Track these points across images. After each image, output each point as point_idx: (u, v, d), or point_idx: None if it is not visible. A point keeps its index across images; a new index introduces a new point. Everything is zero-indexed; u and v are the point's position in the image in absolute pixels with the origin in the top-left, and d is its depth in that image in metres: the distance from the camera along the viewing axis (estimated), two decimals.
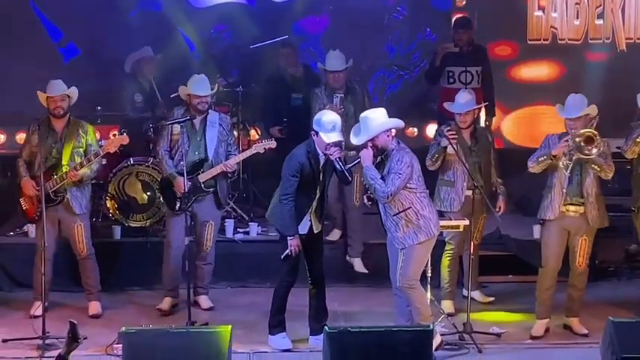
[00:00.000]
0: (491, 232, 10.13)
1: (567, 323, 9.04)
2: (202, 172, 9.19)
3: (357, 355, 7.05)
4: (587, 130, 8.54)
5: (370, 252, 10.13)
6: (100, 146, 9.24)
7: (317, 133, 8.32)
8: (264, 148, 9.33)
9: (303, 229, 8.49)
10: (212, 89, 9.36)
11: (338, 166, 8.38)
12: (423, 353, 7.12)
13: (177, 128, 9.17)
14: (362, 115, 8.35)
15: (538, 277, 8.96)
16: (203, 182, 9.18)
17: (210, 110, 9.30)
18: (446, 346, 8.51)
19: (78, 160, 9.04)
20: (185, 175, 8.89)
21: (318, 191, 8.46)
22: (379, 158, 8.22)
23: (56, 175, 9.01)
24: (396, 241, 8.22)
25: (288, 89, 11.00)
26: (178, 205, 9.19)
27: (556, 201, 8.74)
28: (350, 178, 8.51)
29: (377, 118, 8.19)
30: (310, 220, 8.50)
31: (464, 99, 9.26)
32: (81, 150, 9.11)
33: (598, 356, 7.38)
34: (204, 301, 9.47)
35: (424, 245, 8.23)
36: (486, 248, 9.83)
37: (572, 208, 8.74)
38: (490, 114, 11.32)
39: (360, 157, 8.20)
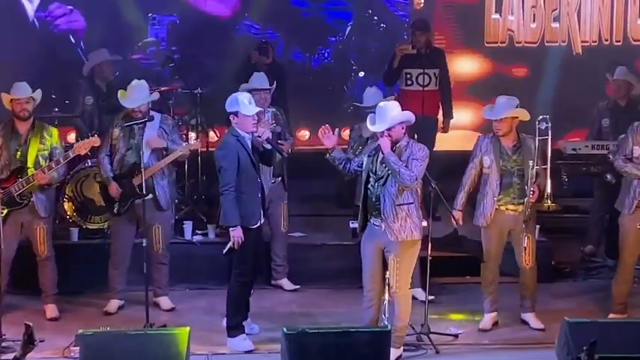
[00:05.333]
0: (448, 234, 10.23)
1: (524, 319, 9.17)
2: (137, 176, 9.13)
3: (316, 356, 7.09)
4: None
5: (330, 254, 10.21)
6: (67, 149, 9.26)
7: (236, 114, 8.44)
8: (190, 150, 9.42)
9: (257, 220, 8.58)
10: (151, 94, 9.31)
11: (269, 146, 8.62)
12: (381, 353, 7.18)
13: (116, 132, 9.27)
14: (380, 104, 8.33)
15: (482, 273, 9.10)
16: (137, 185, 9.11)
17: (153, 113, 9.26)
18: (404, 347, 8.52)
19: (43, 163, 9.04)
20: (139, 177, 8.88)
21: (260, 173, 8.59)
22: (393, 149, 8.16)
23: (21, 177, 8.98)
24: (390, 232, 8.15)
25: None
26: (116, 208, 9.29)
27: (487, 209, 8.91)
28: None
29: (394, 109, 8.19)
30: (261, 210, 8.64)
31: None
32: (46, 153, 9.11)
33: (554, 356, 7.46)
34: (165, 301, 9.49)
35: (415, 247, 8.25)
36: (444, 249, 9.90)
37: (511, 207, 8.91)
38: (448, 116, 11.42)
39: (379, 144, 8.14)
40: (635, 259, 9.14)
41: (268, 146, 8.69)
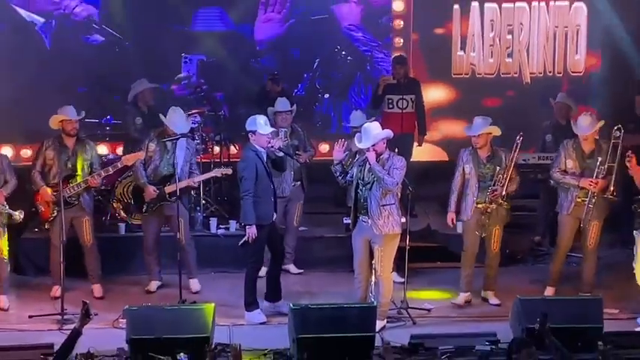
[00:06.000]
0: (422, 228, 10.20)
1: (485, 296, 9.17)
2: (169, 185, 9.10)
3: (316, 327, 7.11)
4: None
5: (328, 245, 10.16)
6: (109, 160, 9.29)
7: (254, 132, 8.38)
8: (222, 173, 9.34)
9: (270, 218, 8.53)
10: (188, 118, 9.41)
11: (281, 153, 8.56)
12: (368, 325, 7.22)
13: (152, 146, 9.20)
14: (364, 125, 8.34)
15: (462, 259, 9.10)
16: (168, 193, 9.10)
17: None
18: (387, 319, 8.50)
19: (87, 171, 9.04)
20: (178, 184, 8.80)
21: (273, 180, 8.56)
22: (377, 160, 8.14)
23: (72, 183, 8.97)
24: (375, 227, 8.16)
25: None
26: (145, 208, 9.24)
27: (469, 206, 8.92)
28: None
29: (376, 128, 8.20)
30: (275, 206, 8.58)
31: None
32: (89, 163, 9.10)
33: (508, 327, 7.44)
34: (194, 284, 9.39)
35: (396, 240, 8.25)
36: (419, 241, 9.87)
37: (485, 205, 8.87)
38: (422, 133, 11.40)
39: (366, 157, 8.16)
40: (568, 247, 9.21)
41: (280, 154, 8.65)
